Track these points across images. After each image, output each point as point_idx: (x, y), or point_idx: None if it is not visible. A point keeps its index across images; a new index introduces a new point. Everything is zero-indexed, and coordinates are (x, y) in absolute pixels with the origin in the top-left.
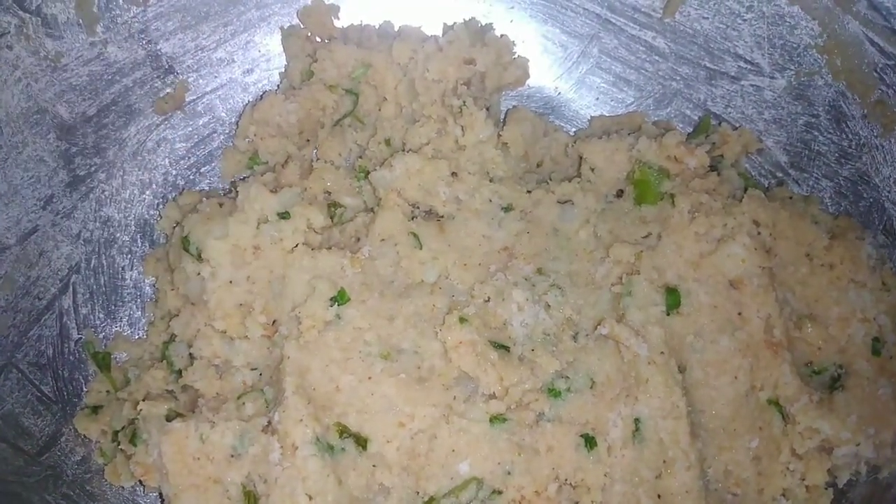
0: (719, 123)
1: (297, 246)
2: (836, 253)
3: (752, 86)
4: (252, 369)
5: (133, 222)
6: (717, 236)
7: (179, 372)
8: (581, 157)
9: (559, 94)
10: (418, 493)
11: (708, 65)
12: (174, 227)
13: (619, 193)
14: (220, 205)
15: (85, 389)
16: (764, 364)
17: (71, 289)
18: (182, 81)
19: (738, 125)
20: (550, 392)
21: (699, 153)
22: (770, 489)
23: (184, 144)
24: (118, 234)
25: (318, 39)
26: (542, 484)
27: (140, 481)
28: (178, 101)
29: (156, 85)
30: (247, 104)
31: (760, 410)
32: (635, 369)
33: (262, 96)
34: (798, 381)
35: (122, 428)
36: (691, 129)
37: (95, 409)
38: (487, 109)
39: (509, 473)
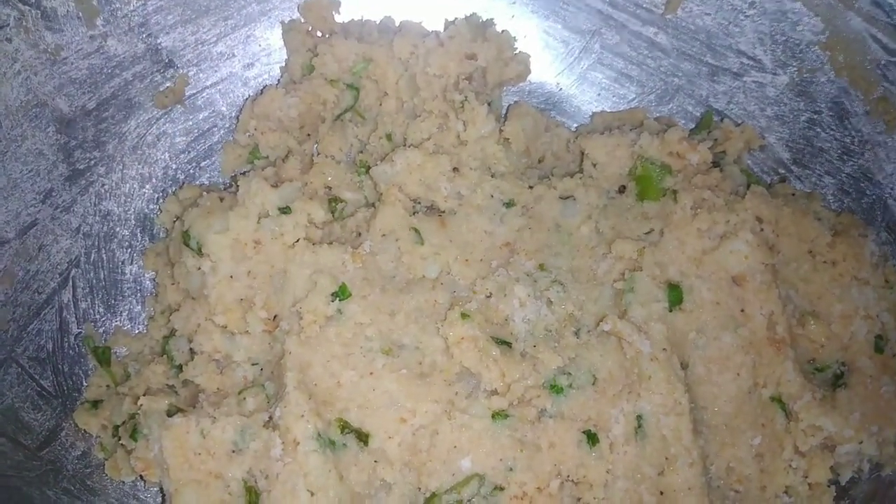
0: (721, 120)
1: (297, 241)
2: (838, 250)
3: (754, 82)
4: (253, 364)
5: (133, 216)
6: (720, 232)
7: (180, 367)
8: (583, 153)
9: (561, 89)
10: (420, 488)
11: (710, 61)
12: (174, 222)
13: (622, 189)
14: (221, 199)
15: (85, 384)
16: (766, 361)
17: (70, 283)
18: (182, 75)
19: (740, 122)
20: (552, 388)
21: (702, 149)
22: (772, 486)
23: (184, 138)
24: (118, 229)
25: (319, 34)
26: (543, 480)
27: (140, 476)
28: (178, 95)
29: (156, 79)
30: (247, 98)
31: (763, 407)
32: (637, 366)
33: (262, 91)
34: (801, 379)
35: (123, 423)
36: (693, 126)
37: (95, 404)
38: (489, 105)
39: (511, 470)
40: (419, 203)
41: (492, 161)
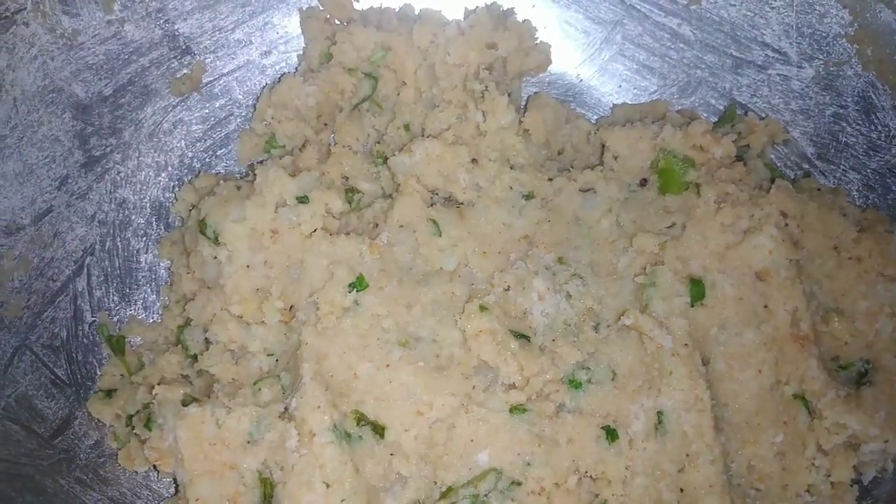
0: (745, 113)
1: (315, 231)
2: (864, 246)
3: (779, 75)
4: (269, 355)
5: (148, 204)
6: (744, 227)
7: (195, 357)
8: (604, 145)
9: (581, 80)
10: (436, 482)
11: (734, 53)
12: (190, 210)
13: (643, 182)
14: (238, 188)
15: (99, 373)
16: (790, 358)
17: (85, 271)
18: (199, 62)
19: (764, 115)
20: (571, 383)
21: (725, 142)
22: (794, 485)
23: (200, 126)
24: (133, 217)
25: (338, 22)
26: (561, 476)
27: (154, 466)
28: (195, 82)
29: (173, 65)
30: (264, 87)
31: (785, 405)
32: (658, 361)
33: (279, 79)
34: (825, 376)
35: (137, 412)
36: (716, 119)
37: (109, 393)
38: (509, 95)
39: (529, 465)
40: (437, 194)
41: (511, 152)
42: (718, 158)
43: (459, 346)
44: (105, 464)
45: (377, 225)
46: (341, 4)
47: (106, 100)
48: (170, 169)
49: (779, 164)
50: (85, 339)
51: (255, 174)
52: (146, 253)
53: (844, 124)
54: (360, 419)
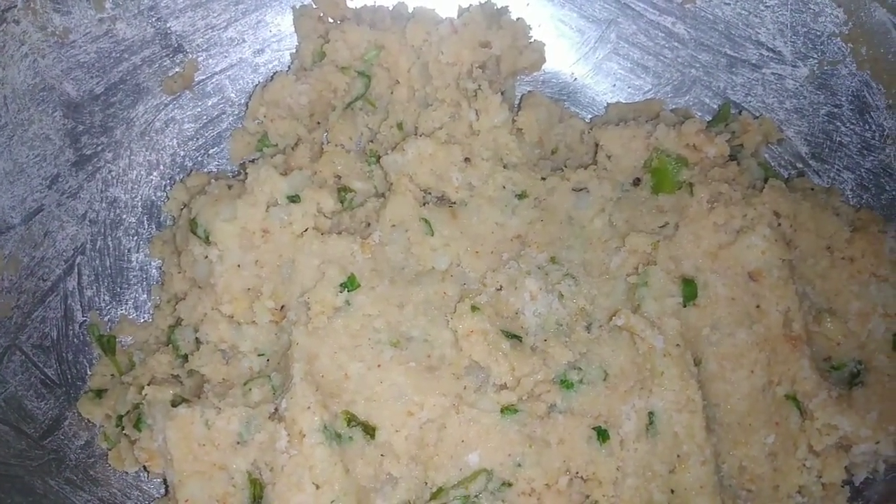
0: (739, 112)
1: (306, 230)
2: (857, 246)
3: (773, 74)
4: (259, 355)
5: (140, 203)
6: (737, 227)
7: (185, 356)
8: (597, 145)
9: (575, 79)
10: (426, 483)
11: (728, 52)
12: (181, 209)
13: (636, 182)
14: (229, 187)
15: (89, 373)
16: (782, 358)
17: (76, 270)
18: (191, 61)
19: (758, 114)
20: (563, 383)
21: (719, 141)
22: (785, 486)
23: (192, 125)
24: (124, 216)
25: (331, 20)
26: (552, 477)
27: (144, 467)
28: (187, 80)
29: (164, 64)
30: (257, 85)
31: (777, 405)
32: (650, 361)
33: (272, 77)
34: (817, 377)
35: (127, 412)
36: (710, 118)
37: (99, 393)
38: (502, 94)
39: (519, 465)
40: (430, 193)
41: (504, 151)
42: (712, 158)
43: (451, 347)
44: (95, 464)
45: (369, 224)
46: (334, 2)
47: (97, 98)
48: (161, 168)
49: (773, 164)
50: (75, 339)
51: (246, 173)
52: (137, 252)
53: (839, 123)
54: (351, 419)
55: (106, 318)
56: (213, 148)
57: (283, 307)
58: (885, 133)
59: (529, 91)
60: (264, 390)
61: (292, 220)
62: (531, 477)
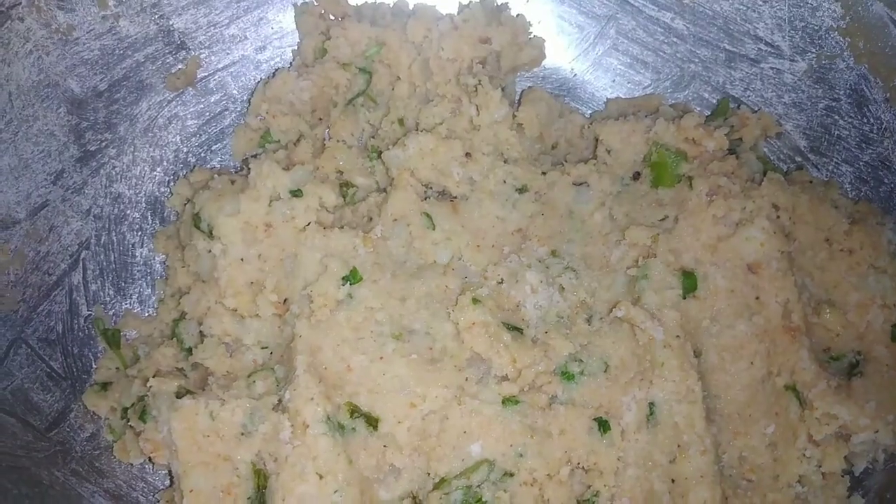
0: (738, 107)
1: (308, 224)
2: (855, 238)
3: (771, 69)
4: (263, 348)
5: (143, 199)
6: (736, 220)
7: (189, 350)
8: (597, 139)
9: (575, 75)
10: (429, 474)
11: (727, 47)
12: (185, 205)
13: (636, 176)
14: (232, 182)
15: (94, 366)
16: (781, 349)
17: (81, 265)
18: (194, 58)
19: (757, 109)
20: (564, 375)
21: (718, 135)
22: (785, 476)
23: (195, 121)
24: (128, 211)
25: (332, 17)
26: (554, 467)
27: (149, 458)
28: (190, 77)
29: (167, 61)
30: (259, 81)
31: (777, 396)
32: (650, 353)
33: (274, 74)
34: (816, 367)
35: (132, 405)
36: (709, 113)
37: (105, 386)
38: (502, 90)
39: (521, 456)
40: (431, 188)
41: (505, 146)
42: (711, 151)
43: (452, 339)
44: (100, 456)
45: (371, 219)
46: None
47: (101, 95)
48: (165, 163)
49: (771, 158)
50: (80, 333)
51: (249, 169)
52: (141, 247)
53: (837, 117)
54: (354, 411)
55: (111, 312)
56: (215, 144)
57: (286, 300)
58: (883, 126)
59: (530, 87)
60: (268, 382)
61: (295, 214)
62: (533, 467)
